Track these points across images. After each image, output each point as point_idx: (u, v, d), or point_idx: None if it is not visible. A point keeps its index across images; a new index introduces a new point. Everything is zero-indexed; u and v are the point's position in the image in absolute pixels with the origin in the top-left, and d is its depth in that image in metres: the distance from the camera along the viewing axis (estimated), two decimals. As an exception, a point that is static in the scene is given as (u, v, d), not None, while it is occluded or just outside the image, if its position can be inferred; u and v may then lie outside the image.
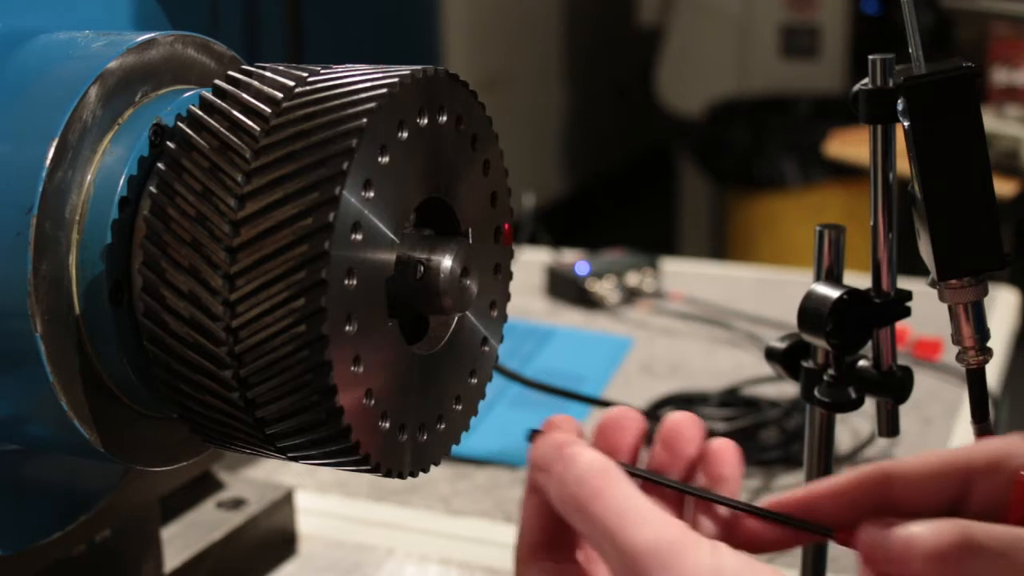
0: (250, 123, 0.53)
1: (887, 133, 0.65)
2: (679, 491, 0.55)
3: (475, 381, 0.61)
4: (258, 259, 0.51)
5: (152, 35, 0.59)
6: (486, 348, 0.61)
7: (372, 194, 0.52)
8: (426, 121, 0.55)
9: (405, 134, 0.53)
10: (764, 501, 0.54)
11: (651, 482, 0.55)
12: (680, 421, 0.56)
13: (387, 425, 0.54)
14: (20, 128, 0.55)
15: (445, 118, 0.56)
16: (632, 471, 0.54)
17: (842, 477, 0.53)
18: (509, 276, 0.63)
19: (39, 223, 0.53)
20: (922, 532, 0.49)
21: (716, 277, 1.67)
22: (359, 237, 0.51)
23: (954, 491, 0.52)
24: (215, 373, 0.52)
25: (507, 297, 0.63)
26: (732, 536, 0.54)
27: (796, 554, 0.81)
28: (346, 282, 0.51)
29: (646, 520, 0.48)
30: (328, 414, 0.51)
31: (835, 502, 0.53)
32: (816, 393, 0.69)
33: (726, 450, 0.55)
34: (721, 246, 3.88)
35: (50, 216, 0.54)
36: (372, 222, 0.52)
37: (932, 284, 0.62)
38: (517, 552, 0.54)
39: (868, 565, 0.51)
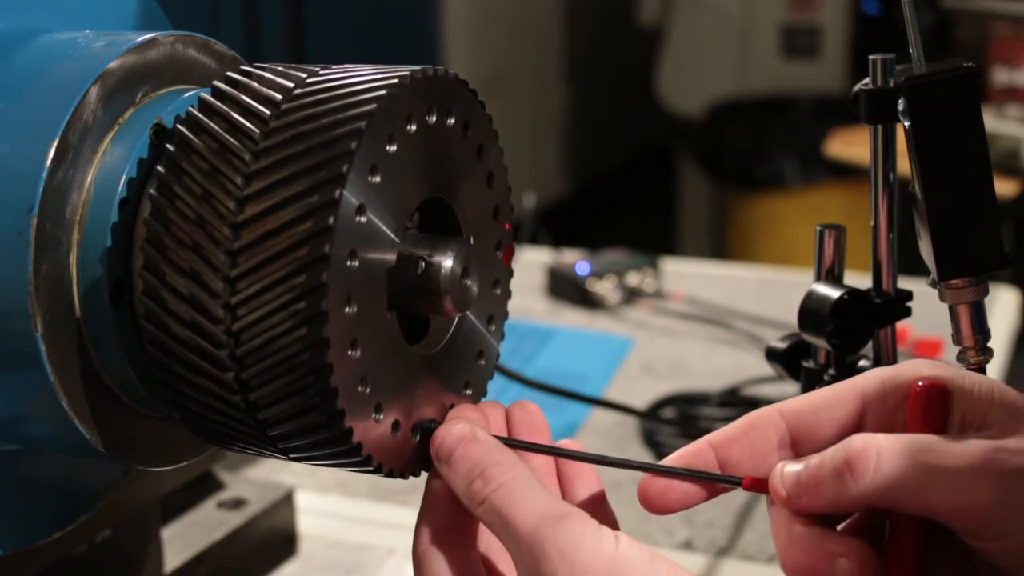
0: (250, 125, 0.53)
1: (888, 133, 0.65)
2: (566, 457, 0.56)
3: (470, 393, 0.61)
4: (259, 262, 0.51)
5: (153, 35, 0.59)
6: (482, 362, 0.61)
7: (372, 197, 0.52)
8: (429, 121, 0.55)
9: (402, 137, 0.53)
10: (669, 458, 0.54)
11: (537, 451, 0.56)
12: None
13: (387, 424, 0.54)
14: (21, 128, 0.55)
15: (452, 120, 0.56)
16: (512, 443, 0.55)
17: (736, 423, 0.53)
18: (508, 294, 0.63)
19: (40, 223, 0.53)
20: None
21: (716, 277, 1.67)
22: (359, 240, 0.51)
23: (849, 420, 0.52)
24: (216, 375, 0.52)
25: (505, 315, 0.63)
26: (598, 508, 0.55)
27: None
28: (349, 263, 0.51)
29: (546, 508, 0.49)
30: (329, 416, 0.51)
31: (736, 450, 0.52)
32: (817, 393, 0.69)
33: (527, 407, 0.57)
34: (721, 246, 3.88)
35: (51, 216, 0.54)
36: (372, 224, 0.52)
37: (932, 284, 0.62)
38: (418, 537, 0.54)
39: (787, 504, 0.50)
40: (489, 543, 0.56)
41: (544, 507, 0.49)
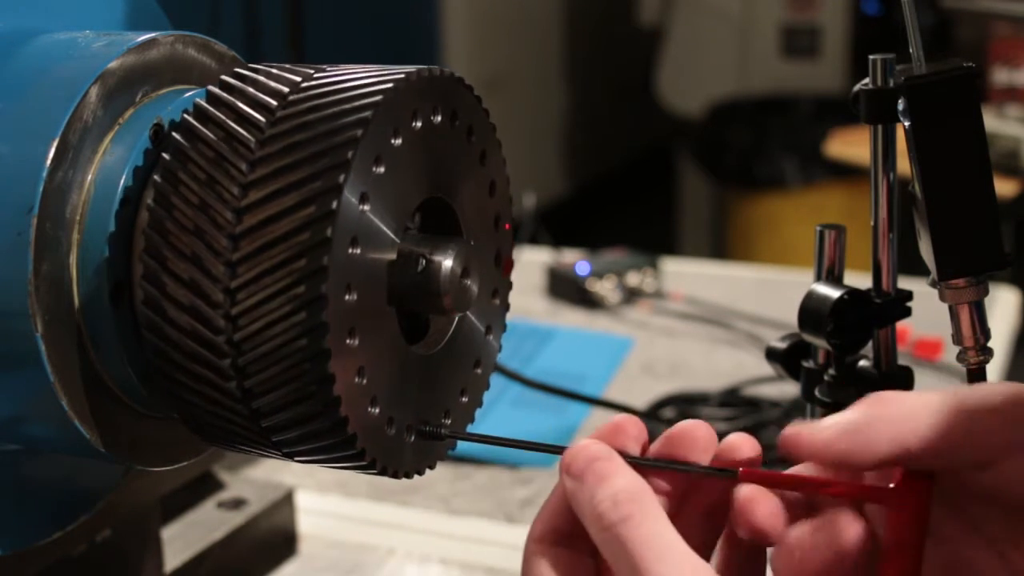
0: (245, 133, 0.53)
1: (888, 133, 0.65)
2: (676, 470, 0.53)
3: (466, 400, 0.61)
4: (258, 273, 0.51)
5: (152, 35, 0.59)
6: (479, 370, 0.61)
7: (370, 203, 0.52)
8: (432, 120, 0.55)
9: (401, 139, 0.53)
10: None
11: (651, 467, 0.53)
12: (690, 426, 0.53)
13: (391, 428, 0.54)
14: (21, 128, 0.55)
15: (455, 122, 0.56)
16: (633, 460, 0.52)
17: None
18: (506, 307, 0.63)
19: (40, 223, 0.53)
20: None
21: (716, 277, 1.67)
22: (358, 247, 0.51)
23: None
24: (219, 384, 0.52)
25: (503, 327, 0.63)
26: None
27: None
28: (346, 295, 0.51)
29: (673, 557, 0.47)
30: (333, 423, 0.51)
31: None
32: (817, 393, 0.69)
33: (743, 443, 0.53)
34: (721, 246, 3.88)
35: (51, 216, 0.54)
36: (372, 227, 0.52)
37: (932, 284, 0.62)
38: (532, 530, 0.52)
39: (812, 449, 0.49)
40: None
41: (672, 555, 0.47)
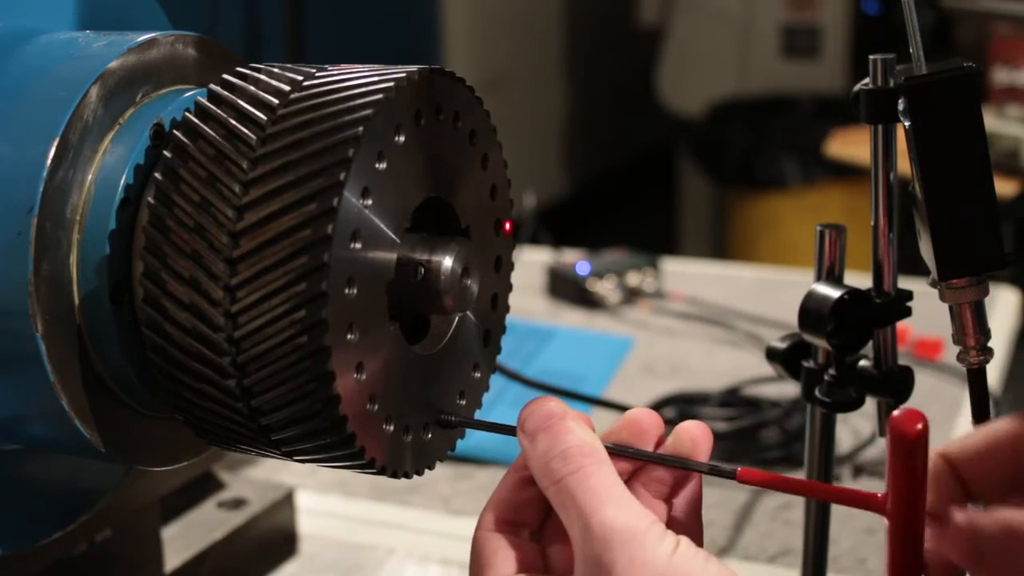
0: (246, 131, 0.53)
1: (888, 133, 0.65)
2: (653, 462, 0.55)
3: (478, 375, 0.61)
4: (259, 271, 0.51)
5: (153, 35, 0.59)
6: (477, 375, 0.61)
7: (371, 201, 0.51)
8: (423, 123, 0.55)
9: (402, 138, 0.53)
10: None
11: (627, 456, 0.54)
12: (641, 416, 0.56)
13: (391, 428, 0.54)
14: (21, 128, 0.55)
15: (442, 117, 0.56)
16: (611, 448, 0.54)
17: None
18: (511, 267, 0.63)
19: (40, 223, 0.53)
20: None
21: (717, 277, 1.67)
22: (358, 245, 0.51)
23: (1008, 463, 0.52)
24: (218, 382, 0.52)
25: (509, 288, 0.63)
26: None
27: (797, 554, 0.81)
28: (347, 291, 0.51)
29: (620, 504, 0.49)
30: (332, 422, 0.51)
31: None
32: (817, 393, 0.69)
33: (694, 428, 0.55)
34: (721, 246, 3.88)
35: (51, 216, 0.54)
36: (372, 227, 0.52)
37: (933, 284, 0.62)
38: (481, 520, 0.55)
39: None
40: (545, 533, 0.56)
41: (620, 503, 0.49)
